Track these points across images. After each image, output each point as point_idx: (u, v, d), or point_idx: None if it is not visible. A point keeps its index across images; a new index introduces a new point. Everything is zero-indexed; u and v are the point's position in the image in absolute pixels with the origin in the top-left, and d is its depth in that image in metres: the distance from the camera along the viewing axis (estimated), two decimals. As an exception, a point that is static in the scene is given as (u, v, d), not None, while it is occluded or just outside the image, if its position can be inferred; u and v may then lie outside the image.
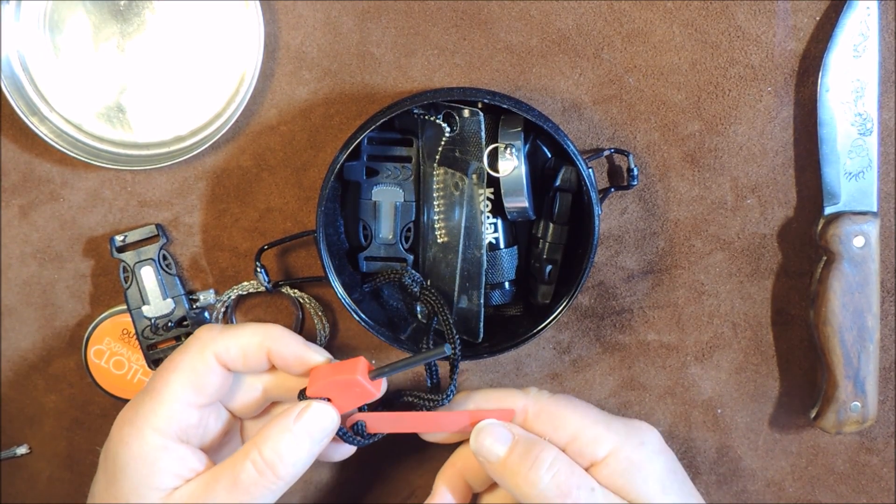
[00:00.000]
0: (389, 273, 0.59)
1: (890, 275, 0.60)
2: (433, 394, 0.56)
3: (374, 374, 0.53)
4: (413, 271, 0.59)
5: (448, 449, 0.60)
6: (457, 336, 0.56)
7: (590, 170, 0.56)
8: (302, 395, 0.53)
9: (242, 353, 0.52)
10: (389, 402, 0.58)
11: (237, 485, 0.49)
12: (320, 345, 0.62)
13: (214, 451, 0.55)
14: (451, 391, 0.55)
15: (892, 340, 0.61)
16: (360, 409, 0.55)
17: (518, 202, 0.57)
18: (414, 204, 0.60)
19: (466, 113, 0.56)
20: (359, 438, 0.55)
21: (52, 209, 0.62)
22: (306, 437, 0.51)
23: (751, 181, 0.60)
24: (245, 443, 0.57)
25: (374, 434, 0.56)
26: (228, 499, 0.49)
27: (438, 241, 0.59)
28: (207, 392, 0.52)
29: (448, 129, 0.57)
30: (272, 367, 0.54)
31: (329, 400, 0.52)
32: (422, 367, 0.57)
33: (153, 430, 0.50)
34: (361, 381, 0.52)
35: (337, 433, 0.53)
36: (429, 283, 0.59)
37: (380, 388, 0.54)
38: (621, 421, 0.55)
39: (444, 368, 0.60)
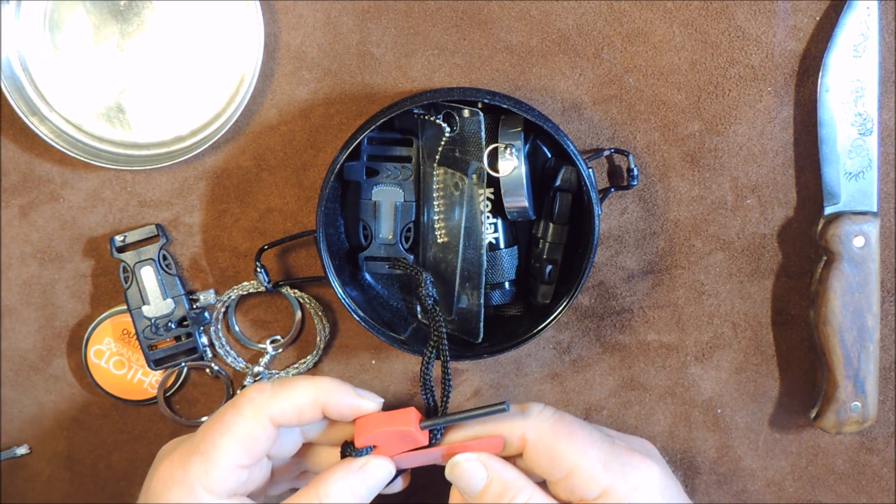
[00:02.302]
0: (409, 266, 0.58)
1: (890, 275, 0.60)
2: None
3: (426, 425, 0.53)
4: (430, 285, 0.57)
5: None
6: (448, 368, 0.55)
7: (590, 170, 0.56)
8: (350, 445, 0.53)
9: (297, 412, 0.52)
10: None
11: None
12: (321, 345, 0.62)
13: (255, 491, 0.55)
14: (439, 433, 0.54)
15: (893, 340, 0.61)
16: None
17: (518, 202, 0.57)
18: (414, 204, 0.60)
19: (466, 113, 0.56)
20: None
21: (52, 209, 0.62)
22: (365, 489, 0.52)
23: (751, 181, 0.60)
24: (274, 484, 0.57)
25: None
26: None
27: (438, 241, 0.59)
28: (259, 453, 0.52)
29: (448, 129, 0.57)
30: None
31: (375, 447, 0.53)
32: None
33: (206, 491, 0.50)
34: (415, 433, 0.52)
35: None
36: (437, 297, 0.59)
37: (427, 436, 0.53)
38: (622, 455, 0.52)
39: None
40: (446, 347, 0.55)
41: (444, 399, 0.54)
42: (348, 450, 0.53)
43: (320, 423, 0.55)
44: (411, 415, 0.53)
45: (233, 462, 0.51)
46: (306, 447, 0.57)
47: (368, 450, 0.53)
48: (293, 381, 0.53)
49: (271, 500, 0.58)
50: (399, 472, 0.55)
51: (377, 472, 0.53)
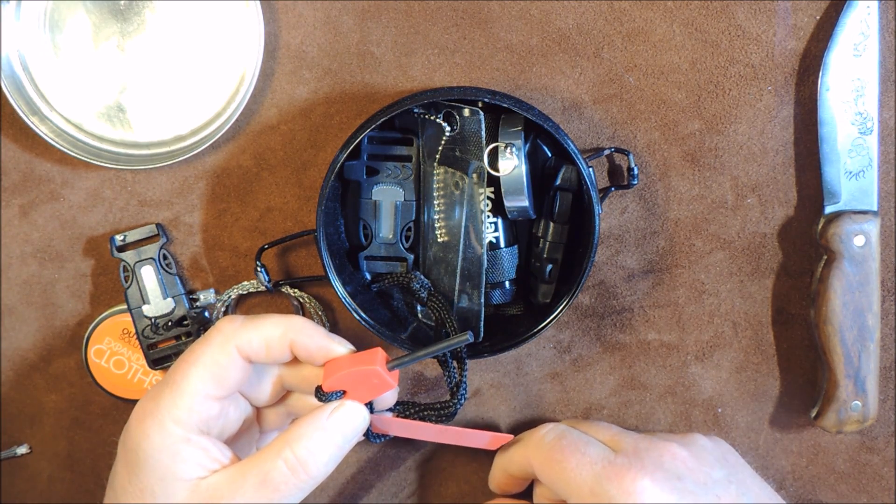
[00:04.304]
0: (398, 277, 0.59)
1: (890, 274, 0.60)
2: (446, 401, 0.56)
3: (393, 364, 0.53)
4: (422, 277, 0.59)
5: (453, 451, 0.60)
6: (465, 354, 0.56)
7: (590, 169, 0.56)
8: (319, 390, 0.52)
9: (265, 345, 0.52)
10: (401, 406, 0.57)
11: (267, 482, 0.49)
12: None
13: (234, 440, 0.55)
14: (463, 395, 0.55)
15: (893, 339, 0.61)
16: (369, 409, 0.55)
17: (518, 201, 0.57)
18: (414, 203, 0.60)
19: (467, 112, 0.56)
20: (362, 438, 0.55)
21: (53, 209, 0.62)
22: (339, 436, 0.51)
23: (751, 180, 0.60)
24: (265, 434, 0.57)
25: (381, 435, 0.56)
26: (257, 495, 0.49)
27: (439, 240, 0.59)
28: (228, 384, 0.52)
29: (448, 128, 0.57)
30: (293, 358, 0.54)
31: (345, 392, 0.52)
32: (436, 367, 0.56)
33: (175, 422, 0.50)
34: (380, 371, 0.52)
35: None
36: (431, 285, 0.59)
37: (396, 378, 0.53)
38: (617, 479, 0.52)
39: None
40: (455, 327, 0.56)
41: (462, 382, 0.55)
42: (319, 394, 0.52)
43: (298, 368, 0.54)
44: (377, 355, 0.52)
45: (201, 391, 0.50)
46: (292, 396, 0.56)
47: (338, 394, 0.52)
48: (265, 316, 0.53)
49: None
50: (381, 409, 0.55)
51: (350, 416, 0.52)
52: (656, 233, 0.61)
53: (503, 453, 0.59)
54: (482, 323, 0.59)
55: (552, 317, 0.57)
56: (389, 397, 0.55)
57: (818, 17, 0.58)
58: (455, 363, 0.56)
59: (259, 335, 0.52)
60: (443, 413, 0.55)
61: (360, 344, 0.63)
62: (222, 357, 0.51)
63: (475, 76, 0.59)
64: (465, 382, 0.55)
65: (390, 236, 0.60)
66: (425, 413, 0.56)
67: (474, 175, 0.57)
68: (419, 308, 0.61)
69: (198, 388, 0.51)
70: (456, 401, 0.55)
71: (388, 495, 0.66)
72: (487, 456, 0.64)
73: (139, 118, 0.60)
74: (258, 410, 0.57)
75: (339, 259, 0.59)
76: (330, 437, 0.51)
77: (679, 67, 0.59)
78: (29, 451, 0.66)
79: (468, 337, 0.52)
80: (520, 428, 0.64)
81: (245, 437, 0.56)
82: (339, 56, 0.59)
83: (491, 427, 0.64)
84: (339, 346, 0.53)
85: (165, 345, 0.62)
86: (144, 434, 0.50)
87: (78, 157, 0.59)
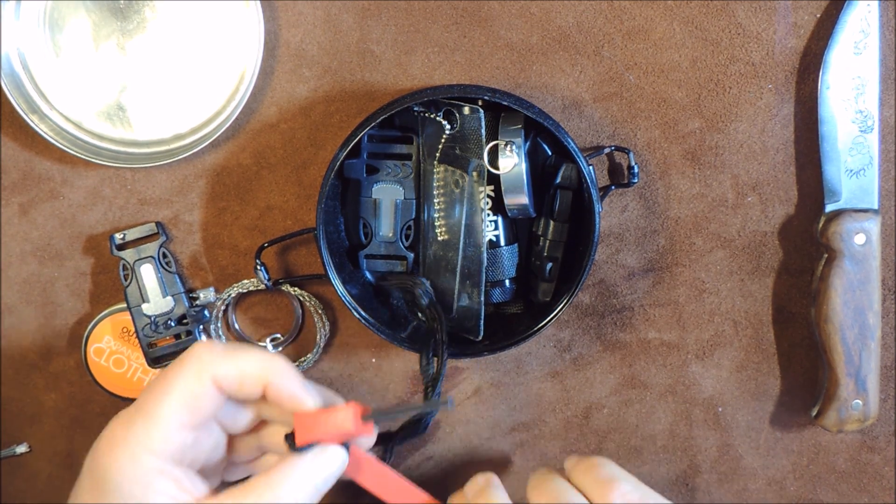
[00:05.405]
0: (404, 280, 0.59)
1: (891, 272, 0.60)
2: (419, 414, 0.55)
3: (368, 418, 0.52)
4: (427, 285, 0.58)
5: (453, 452, 0.59)
6: (446, 357, 0.55)
7: (590, 167, 0.56)
8: (292, 440, 0.51)
9: (240, 381, 0.50)
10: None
11: None
12: (321, 343, 0.62)
13: (207, 466, 0.54)
14: (437, 396, 0.54)
15: (894, 338, 0.61)
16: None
17: (518, 199, 0.57)
18: (414, 201, 0.60)
19: (467, 110, 0.56)
20: None
21: (52, 207, 0.62)
22: (320, 480, 0.50)
23: (751, 179, 0.60)
24: (233, 463, 0.56)
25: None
26: None
27: (439, 238, 0.59)
28: (203, 414, 0.50)
29: (448, 126, 0.57)
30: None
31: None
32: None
33: (149, 452, 0.49)
34: (354, 430, 0.51)
35: None
36: (434, 296, 0.59)
37: (371, 431, 0.52)
38: None
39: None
40: (445, 345, 0.55)
41: (438, 378, 0.55)
42: (292, 445, 0.51)
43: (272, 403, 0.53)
44: (352, 414, 0.51)
45: (176, 421, 0.49)
46: (265, 427, 0.55)
47: (311, 446, 0.51)
48: (245, 349, 0.51)
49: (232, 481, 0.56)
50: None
51: (329, 462, 0.51)
52: (656, 231, 0.61)
53: None
54: (482, 321, 0.58)
55: (552, 315, 0.56)
56: (366, 442, 0.54)
57: (818, 15, 0.58)
58: (434, 359, 0.55)
59: (236, 369, 0.50)
60: (416, 426, 0.55)
61: (361, 343, 0.63)
62: (198, 386, 0.50)
63: (475, 74, 0.59)
64: (440, 380, 0.54)
65: (390, 235, 0.60)
66: (399, 434, 0.55)
67: (474, 173, 0.57)
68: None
69: (172, 417, 0.49)
70: (430, 402, 0.54)
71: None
72: (487, 455, 0.65)
73: (139, 116, 0.60)
74: (230, 438, 0.56)
75: (339, 258, 0.59)
76: (311, 481, 0.50)
77: (679, 66, 0.59)
78: (29, 449, 0.66)
79: (448, 405, 0.51)
80: (520, 427, 0.64)
81: (213, 465, 0.55)
82: (339, 54, 0.59)
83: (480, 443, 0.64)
84: (310, 401, 0.51)
85: (165, 343, 0.62)
86: (116, 462, 0.49)
87: (78, 155, 0.59)
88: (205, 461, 0.53)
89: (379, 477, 0.54)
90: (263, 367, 0.50)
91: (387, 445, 0.61)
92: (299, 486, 0.50)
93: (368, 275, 0.61)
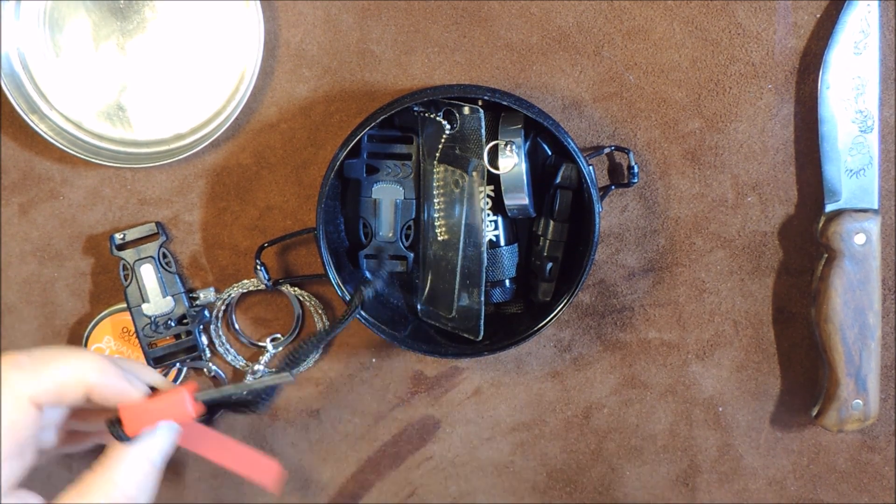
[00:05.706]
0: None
1: (891, 272, 0.60)
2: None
3: (201, 396, 0.50)
4: (378, 282, 0.57)
5: (453, 452, 0.59)
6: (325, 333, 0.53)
7: (590, 167, 0.56)
8: (118, 429, 0.49)
9: (58, 395, 0.47)
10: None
11: None
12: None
13: (42, 452, 0.52)
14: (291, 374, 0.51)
15: (894, 338, 0.61)
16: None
17: (518, 199, 0.57)
18: (414, 201, 0.60)
19: (467, 110, 0.56)
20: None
21: (52, 207, 0.62)
22: (149, 466, 0.49)
23: (751, 179, 0.60)
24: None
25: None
26: None
27: (439, 238, 0.59)
28: (27, 436, 0.47)
29: (448, 126, 0.57)
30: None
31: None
32: None
33: None
34: (187, 417, 0.49)
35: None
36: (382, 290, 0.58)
37: (203, 409, 0.50)
38: None
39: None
40: (348, 317, 0.54)
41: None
42: (118, 432, 0.49)
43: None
44: (183, 398, 0.49)
45: (6, 455, 0.47)
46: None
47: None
48: (55, 356, 0.48)
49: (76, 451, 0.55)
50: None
51: (162, 440, 0.49)
52: (656, 231, 0.61)
53: None
54: (482, 321, 0.58)
55: (552, 315, 0.56)
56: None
57: (818, 16, 0.58)
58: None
59: (52, 383, 0.47)
60: (255, 400, 0.51)
61: (361, 342, 0.63)
62: (18, 416, 0.47)
63: (475, 74, 0.59)
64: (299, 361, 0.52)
65: (390, 235, 0.60)
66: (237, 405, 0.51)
67: (474, 173, 0.57)
68: (420, 307, 0.61)
69: (2, 455, 0.47)
70: (261, 379, 0.51)
71: (389, 495, 0.65)
72: (487, 455, 0.64)
73: (139, 116, 0.60)
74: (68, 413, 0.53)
75: (339, 257, 0.59)
76: (146, 463, 0.49)
77: (679, 66, 0.59)
78: (28, 450, 0.65)
79: (290, 377, 0.49)
80: (520, 427, 0.64)
81: (49, 448, 0.52)
82: (338, 54, 0.59)
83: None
84: (136, 393, 0.49)
85: (165, 343, 0.62)
86: None
87: (77, 155, 0.59)
88: (52, 444, 0.51)
89: (213, 443, 0.52)
90: (81, 373, 0.48)
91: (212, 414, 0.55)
92: (136, 470, 0.48)
93: (368, 274, 0.61)
